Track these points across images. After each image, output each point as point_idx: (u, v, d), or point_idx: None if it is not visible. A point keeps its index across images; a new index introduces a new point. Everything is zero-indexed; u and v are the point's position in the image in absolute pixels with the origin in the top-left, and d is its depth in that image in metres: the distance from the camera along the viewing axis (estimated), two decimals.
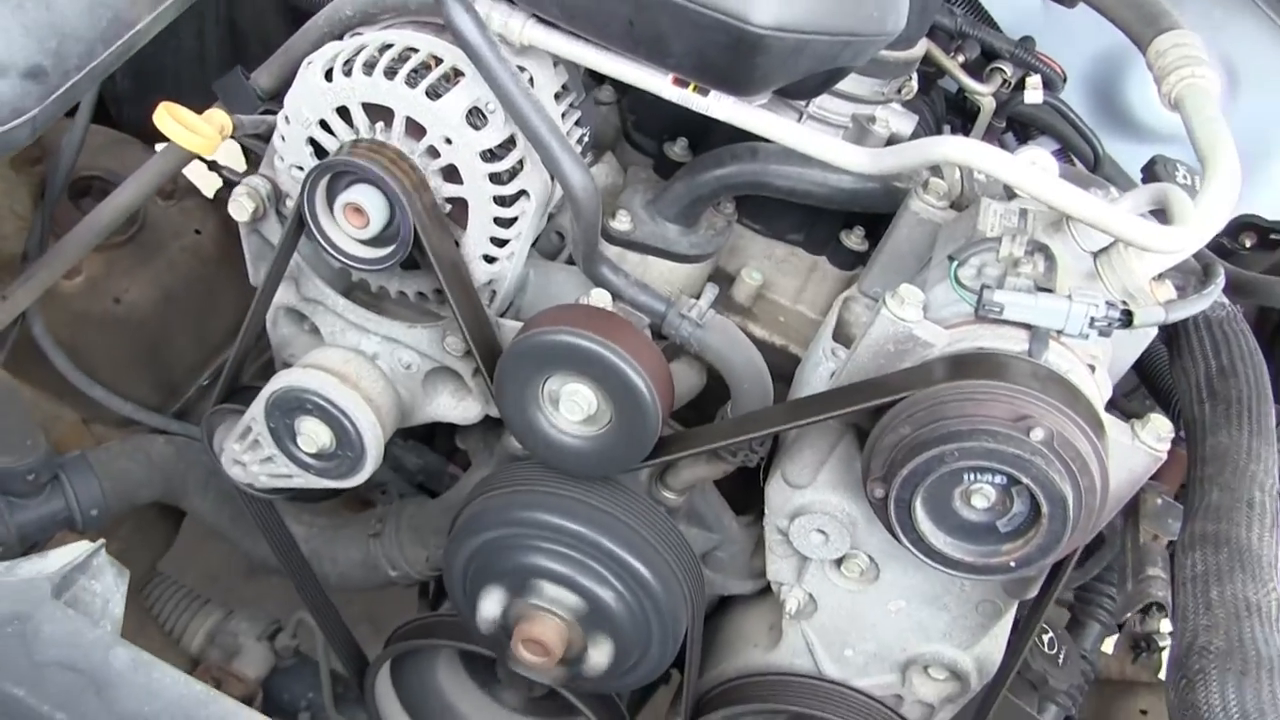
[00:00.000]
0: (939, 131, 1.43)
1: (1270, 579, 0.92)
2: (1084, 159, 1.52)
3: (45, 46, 0.82)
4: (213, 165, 1.62)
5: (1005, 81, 1.41)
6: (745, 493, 1.18)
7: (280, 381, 1.07)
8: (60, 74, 0.84)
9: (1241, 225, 1.60)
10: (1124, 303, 0.93)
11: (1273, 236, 1.56)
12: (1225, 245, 1.61)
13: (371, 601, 1.61)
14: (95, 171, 1.47)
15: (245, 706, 0.61)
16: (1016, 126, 1.55)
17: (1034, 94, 1.41)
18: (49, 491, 1.25)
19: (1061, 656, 1.20)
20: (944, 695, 1.16)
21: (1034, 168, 0.89)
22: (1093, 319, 0.90)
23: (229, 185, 1.70)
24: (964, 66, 1.39)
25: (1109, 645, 1.65)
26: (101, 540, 0.68)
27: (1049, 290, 0.92)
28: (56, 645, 0.57)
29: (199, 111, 1.02)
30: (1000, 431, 0.85)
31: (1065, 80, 1.44)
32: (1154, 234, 0.89)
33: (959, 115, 1.50)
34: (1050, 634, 1.21)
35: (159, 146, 1.42)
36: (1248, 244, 1.60)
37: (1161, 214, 0.96)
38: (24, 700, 0.51)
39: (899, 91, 1.17)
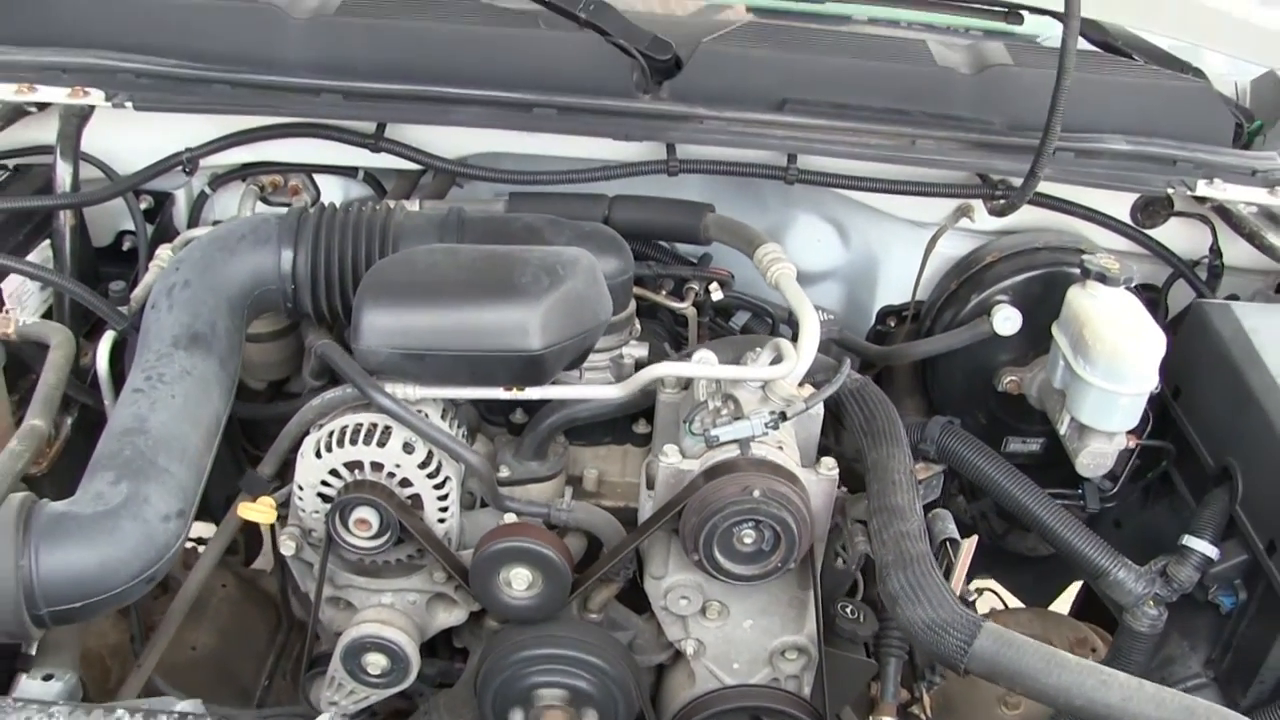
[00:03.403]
0: (675, 338, 2.20)
1: (912, 516, 1.65)
2: (768, 315, 2.31)
3: (179, 496, 1.49)
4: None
5: (696, 293, 2.18)
6: (638, 599, 1.88)
7: (344, 640, 1.74)
8: (190, 505, 1.52)
9: (884, 313, 2.41)
10: (783, 410, 1.69)
11: (904, 314, 2.37)
12: (880, 329, 2.42)
13: None
14: None
15: None
16: (722, 312, 2.33)
17: (717, 294, 2.17)
18: None
19: (861, 616, 1.90)
20: (801, 666, 1.84)
21: (702, 364, 1.67)
22: (766, 424, 1.66)
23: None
24: (668, 294, 2.18)
25: None
26: None
27: (740, 418, 1.68)
28: None
29: None
30: (738, 499, 1.59)
31: (733, 278, 2.23)
32: (774, 372, 1.66)
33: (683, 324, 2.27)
34: (850, 606, 1.92)
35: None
36: (892, 324, 2.40)
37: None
38: None
39: (628, 334, 1.94)
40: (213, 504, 2.39)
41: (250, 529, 2.49)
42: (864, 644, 1.91)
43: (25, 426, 1.43)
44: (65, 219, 1.95)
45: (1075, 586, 2.71)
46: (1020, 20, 2.40)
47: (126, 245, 2.21)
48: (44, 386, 1.52)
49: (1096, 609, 2.42)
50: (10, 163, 2.03)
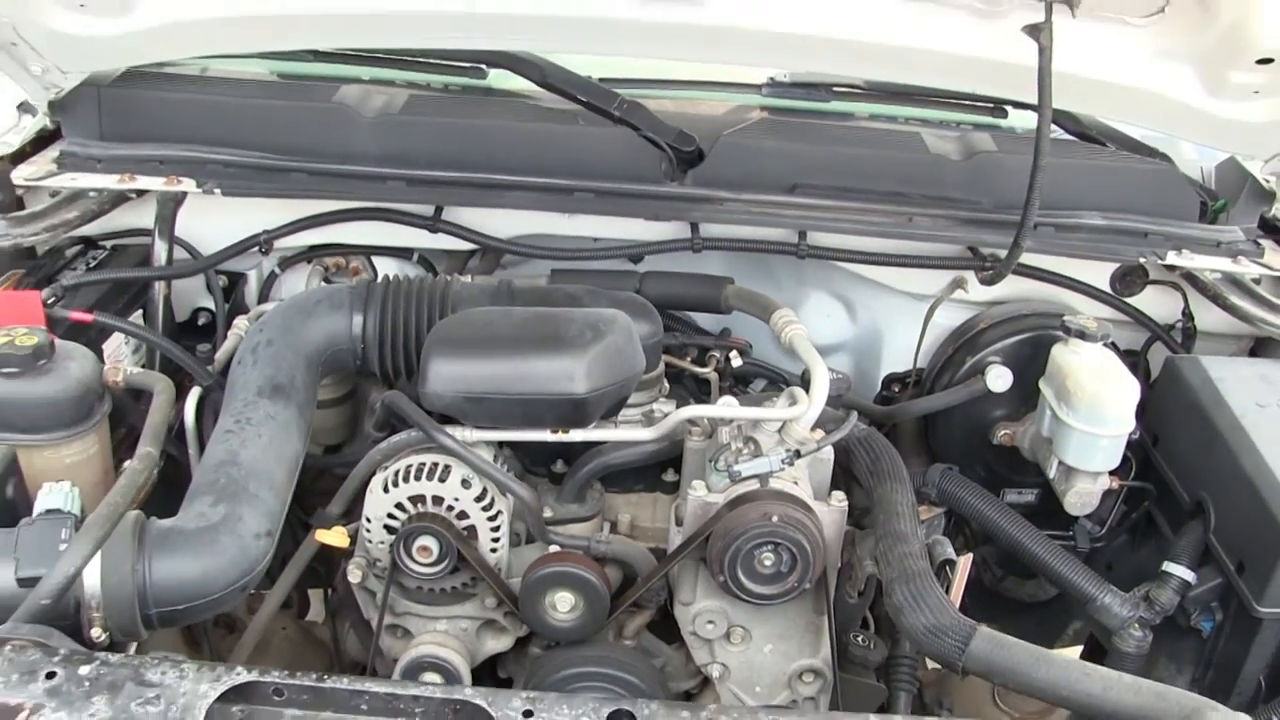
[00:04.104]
0: (699, 401, 2.42)
1: (913, 540, 1.84)
2: (783, 381, 2.53)
3: (267, 518, 1.70)
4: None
5: (718, 360, 2.41)
6: (668, 631, 2.06)
7: (403, 660, 1.93)
8: (276, 528, 1.72)
9: (889, 381, 2.63)
10: (797, 449, 1.90)
11: (907, 381, 2.59)
12: (885, 395, 2.63)
13: None
14: None
15: None
16: (741, 379, 2.55)
17: (736, 361, 2.41)
18: None
19: (871, 644, 2.08)
20: (818, 689, 2.02)
21: (725, 406, 1.89)
22: (781, 461, 1.87)
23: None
24: (692, 361, 2.41)
25: None
26: None
27: (759, 455, 1.89)
28: None
29: None
30: (758, 524, 1.79)
31: (751, 347, 2.46)
32: (789, 412, 1.88)
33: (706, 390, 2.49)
34: (861, 635, 2.09)
35: None
36: (896, 390, 2.62)
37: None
38: None
39: (658, 392, 2.16)
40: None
41: (300, 588, 2.70)
42: (874, 671, 2.08)
43: (141, 452, 1.65)
44: (159, 290, 2.21)
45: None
46: (1004, 114, 2.67)
47: (201, 321, 2.46)
48: (151, 423, 1.74)
49: (1101, 660, 2.59)
50: (109, 243, 2.30)
